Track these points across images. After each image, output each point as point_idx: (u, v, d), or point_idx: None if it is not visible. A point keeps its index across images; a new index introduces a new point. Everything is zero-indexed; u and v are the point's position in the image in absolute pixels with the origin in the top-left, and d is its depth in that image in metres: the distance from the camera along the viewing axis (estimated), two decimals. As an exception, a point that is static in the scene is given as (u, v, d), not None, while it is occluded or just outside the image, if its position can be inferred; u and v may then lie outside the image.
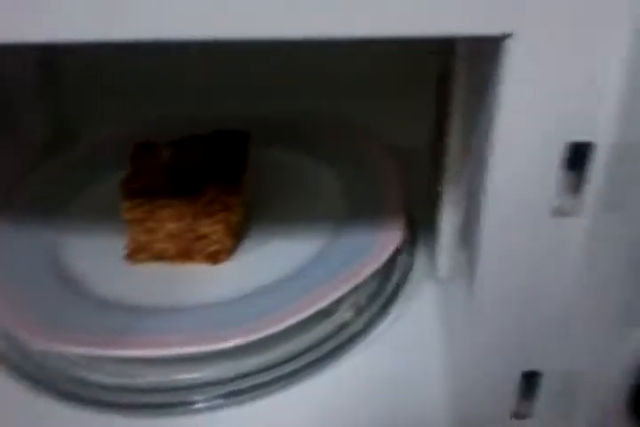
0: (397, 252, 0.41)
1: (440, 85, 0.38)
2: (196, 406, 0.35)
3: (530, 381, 0.28)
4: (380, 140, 0.49)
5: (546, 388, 0.28)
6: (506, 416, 0.30)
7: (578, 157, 0.22)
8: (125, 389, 0.36)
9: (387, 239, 0.40)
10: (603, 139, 0.21)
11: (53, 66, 0.54)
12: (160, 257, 0.41)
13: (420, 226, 0.45)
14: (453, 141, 0.33)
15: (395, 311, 0.41)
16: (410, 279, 0.42)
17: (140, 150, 0.43)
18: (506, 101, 0.22)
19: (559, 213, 0.23)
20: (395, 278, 0.42)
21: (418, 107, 0.44)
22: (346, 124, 0.51)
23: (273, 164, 0.47)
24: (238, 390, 0.36)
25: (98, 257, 0.41)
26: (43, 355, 0.37)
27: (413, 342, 0.39)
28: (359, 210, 0.43)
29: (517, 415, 0.30)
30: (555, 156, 0.22)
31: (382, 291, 0.41)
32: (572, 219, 0.23)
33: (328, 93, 0.50)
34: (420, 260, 0.44)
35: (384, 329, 0.40)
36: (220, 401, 0.36)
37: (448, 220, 0.37)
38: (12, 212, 0.44)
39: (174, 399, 0.35)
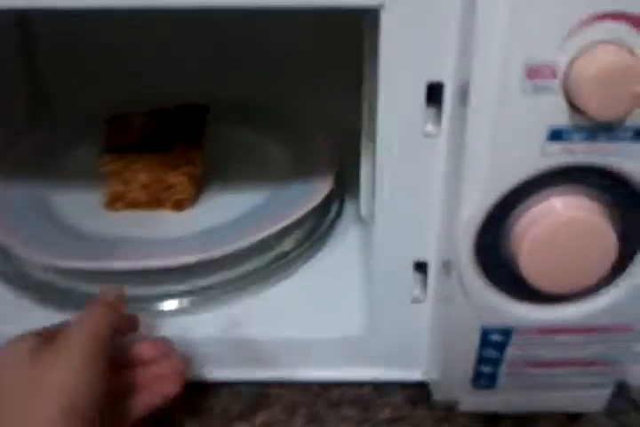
0: (330, 198, 0.51)
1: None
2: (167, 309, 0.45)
3: (421, 271, 0.38)
4: (316, 117, 0.59)
5: (432, 275, 0.38)
6: (407, 302, 0.39)
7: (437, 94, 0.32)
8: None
9: (320, 187, 0.50)
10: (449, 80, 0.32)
11: (31, 40, 0.61)
12: (134, 205, 0.50)
13: (350, 182, 0.54)
14: (365, 102, 0.43)
15: (327, 246, 0.50)
16: (340, 221, 0.52)
17: (114, 119, 0.52)
18: (384, 59, 0.32)
19: (428, 135, 0.33)
20: (328, 220, 0.51)
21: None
22: (287, 104, 0.61)
23: (227, 135, 0.57)
24: (197, 300, 0.45)
25: (81, 206, 0.50)
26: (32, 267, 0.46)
27: (339, 268, 0.48)
28: (298, 168, 0.53)
29: (415, 300, 0.39)
30: (420, 94, 0.32)
31: (318, 229, 0.50)
32: (436, 139, 0.33)
33: (276, 74, 0.60)
34: (349, 206, 0.53)
35: (317, 259, 0.49)
36: (185, 307, 0.45)
37: (364, 168, 0.47)
38: (2, 170, 0.52)
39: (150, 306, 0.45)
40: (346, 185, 0.54)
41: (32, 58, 0.62)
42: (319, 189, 0.49)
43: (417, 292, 0.39)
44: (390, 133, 0.34)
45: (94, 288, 0.43)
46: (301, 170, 0.52)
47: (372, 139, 0.44)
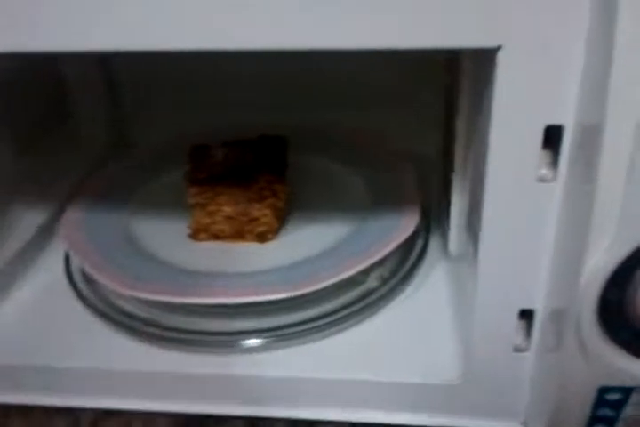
0: (415, 234, 0.49)
1: (448, 93, 0.46)
2: (248, 346, 0.43)
3: (526, 318, 0.36)
4: (394, 146, 0.58)
5: (538, 324, 0.36)
6: (509, 350, 0.37)
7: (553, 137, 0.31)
8: (182, 330, 0.44)
9: (406, 223, 0.48)
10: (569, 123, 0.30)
11: (113, 73, 0.62)
12: (217, 237, 0.50)
13: (433, 215, 0.53)
14: (460, 139, 0.42)
15: (413, 283, 0.48)
16: (425, 257, 0.50)
17: (196, 150, 0.51)
18: (499, 100, 0.30)
19: (542, 180, 0.31)
20: (413, 256, 0.49)
21: (427, 115, 0.53)
22: (366, 133, 0.59)
23: (307, 165, 0.56)
24: (281, 338, 0.44)
25: (166, 236, 0.50)
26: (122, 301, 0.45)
27: (428, 307, 0.46)
28: (381, 201, 0.51)
29: (517, 349, 0.37)
30: (537, 137, 0.30)
31: (403, 265, 0.49)
32: (552, 184, 0.31)
33: (351, 105, 0.59)
34: (434, 241, 0.52)
35: (404, 297, 0.47)
36: (266, 344, 0.43)
37: (456, 205, 0.45)
38: (87, 200, 0.52)
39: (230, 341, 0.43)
40: (430, 220, 0.52)
41: (112, 89, 0.63)
42: (406, 224, 0.48)
43: (520, 340, 0.37)
44: (502, 177, 0.32)
45: (178, 320, 0.43)
46: (386, 202, 0.51)
47: (468, 177, 0.42)
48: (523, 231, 0.33)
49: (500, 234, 0.33)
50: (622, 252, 0.29)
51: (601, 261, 0.29)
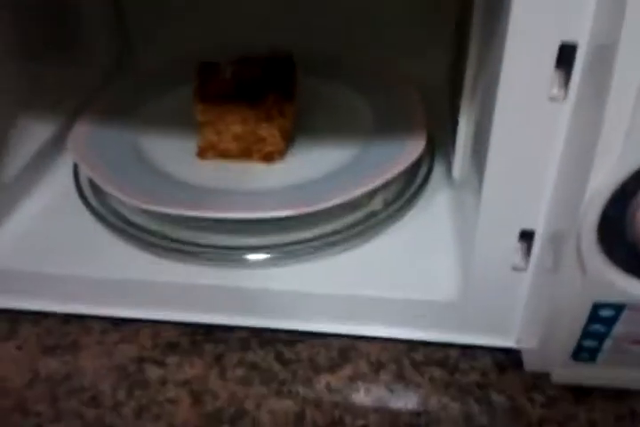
0: (420, 159, 0.49)
1: (459, 16, 0.46)
2: (254, 261, 0.45)
3: (526, 238, 0.37)
4: (403, 71, 0.57)
5: (538, 244, 0.37)
6: (507, 269, 0.38)
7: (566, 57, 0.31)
8: (190, 243, 0.45)
9: (411, 148, 0.48)
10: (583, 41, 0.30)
11: None
12: (224, 155, 0.50)
13: (438, 141, 0.53)
14: (471, 62, 0.41)
15: (416, 207, 0.49)
16: (429, 182, 0.51)
17: (204, 67, 0.51)
18: (515, 18, 0.30)
19: (553, 99, 0.32)
20: (417, 181, 0.50)
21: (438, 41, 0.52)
22: (375, 58, 0.59)
23: (315, 88, 0.56)
24: (285, 254, 0.45)
25: (174, 153, 0.50)
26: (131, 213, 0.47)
27: (429, 229, 0.47)
28: (388, 126, 0.52)
29: (516, 269, 0.38)
30: (551, 55, 0.30)
31: (407, 190, 0.49)
32: (562, 103, 0.32)
33: (362, 30, 0.59)
34: (438, 167, 0.52)
35: (407, 220, 0.48)
36: (271, 260, 0.45)
37: (462, 130, 0.45)
38: (95, 115, 0.52)
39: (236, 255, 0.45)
40: (435, 148, 0.52)
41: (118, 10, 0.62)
42: (411, 149, 0.48)
43: (518, 260, 0.38)
44: (513, 96, 0.32)
45: (186, 233, 0.45)
46: (392, 128, 0.51)
47: (476, 102, 0.43)
48: (530, 151, 0.33)
49: (508, 153, 0.34)
50: (626, 170, 0.29)
51: (605, 179, 0.30)
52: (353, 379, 0.43)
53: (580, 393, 0.41)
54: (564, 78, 0.31)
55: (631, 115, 0.28)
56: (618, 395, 0.41)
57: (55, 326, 0.46)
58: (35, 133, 0.52)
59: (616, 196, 0.30)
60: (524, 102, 0.32)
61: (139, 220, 0.46)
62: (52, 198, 0.50)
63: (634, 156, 0.29)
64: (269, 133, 0.49)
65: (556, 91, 0.31)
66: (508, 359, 0.43)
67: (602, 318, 0.34)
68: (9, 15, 0.48)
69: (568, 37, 0.30)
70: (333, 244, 0.45)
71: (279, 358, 0.44)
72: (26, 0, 0.51)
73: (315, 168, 0.48)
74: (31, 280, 0.45)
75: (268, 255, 0.45)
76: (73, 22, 0.58)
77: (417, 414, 0.41)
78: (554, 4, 0.29)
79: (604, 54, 0.29)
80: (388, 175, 0.46)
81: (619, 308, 0.34)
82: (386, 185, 0.47)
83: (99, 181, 0.45)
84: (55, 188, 0.51)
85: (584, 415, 0.40)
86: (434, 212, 0.49)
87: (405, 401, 0.42)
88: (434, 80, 0.56)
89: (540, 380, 0.41)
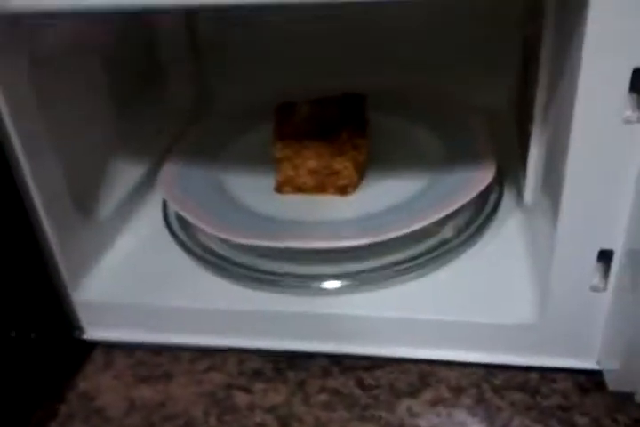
0: (489, 186, 0.51)
1: (526, 45, 0.48)
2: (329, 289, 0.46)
3: (605, 258, 0.38)
4: (468, 103, 0.60)
5: (617, 264, 0.37)
6: (586, 290, 0.39)
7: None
8: (271, 272, 0.47)
9: (481, 175, 0.50)
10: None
11: (197, 39, 0.66)
12: (301, 189, 0.53)
13: (505, 167, 0.54)
14: (542, 88, 0.43)
15: (487, 233, 0.50)
16: (500, 208, 0.52)
17: (282, 107, 0.54)
18: (589, 45, 0.32)
19: (628, 121, 0.33)
20: (488, 207, 0.51)
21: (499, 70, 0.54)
22: (439, 89, 0.61)
23: (384, 123, 0.58)
24: (359, 282, 0.46)
25: (254, 189, 0.53)
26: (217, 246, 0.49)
27: (503, 254, 0.48)
28: (457, 155, 0.53)
29: (594, 289, 0.39)
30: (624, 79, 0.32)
31: (478, 216, 0.51)
32: (636, 125, 0.33)
33: (424, 65, 0.61)
34: (508, 194, 0.53)
35: (480, 246, 0.49)
36: (346, 288, 0.46)
37: (534, 154, 0.46)
38: (182, 155, 0.56)
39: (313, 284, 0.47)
40: (503, 175, 0.54)
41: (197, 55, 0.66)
42: (482, 176, 0.50)
43: (597, 280, 0.39)
44: (588, 119, 0.34)
45: (267, 263, 0.47)
46: (461, 156, 0.53)
47: (547, 126, 0.44)
48: (607, 172, 0.35)
49: (585, 175, 0.35)
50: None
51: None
52: (434, 403, 0.44)
53: (667, 414, 0.41)
54: (637, 101, 0.33)
55: None
56: None
57: (147, 356, 0.48)
58: (127, 173, 0.56)
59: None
60: (599, 125, 0.33)
61: (224, 252, 0.49)
62: (143, 234, 0.53)
63: None
64: (343, 167, 0.51)
65: (629, 113, 0.33)
66: (589, 381, 0.43)
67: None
68: (101, 61, 0.52)
69: (641, 63, 0.32)
70: (405, 271, 0.47)
71: (359, 383, 0.45)
72: (117, 50, 0.56)
73: (387, 198, 0.50)
74: (125, 312, 0.48)
75: (346, 283, 0.46)
76: (157, 70, 0.63)
77: (501, 436, 0.41)
78: (627, 29, 0.31)
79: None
80: (458, 204, 0.47)
81: None
82: (456, 213, 0.48)
83: (187, 217, 0.48)
84: (146, 223, 0.55)
85: (671, 436, 0.40)
86: (505, 236, 0.50)
87: (488, 425, 0.42)
88: (495, 105, 0.58)
89: (623, 401, 0.41)
